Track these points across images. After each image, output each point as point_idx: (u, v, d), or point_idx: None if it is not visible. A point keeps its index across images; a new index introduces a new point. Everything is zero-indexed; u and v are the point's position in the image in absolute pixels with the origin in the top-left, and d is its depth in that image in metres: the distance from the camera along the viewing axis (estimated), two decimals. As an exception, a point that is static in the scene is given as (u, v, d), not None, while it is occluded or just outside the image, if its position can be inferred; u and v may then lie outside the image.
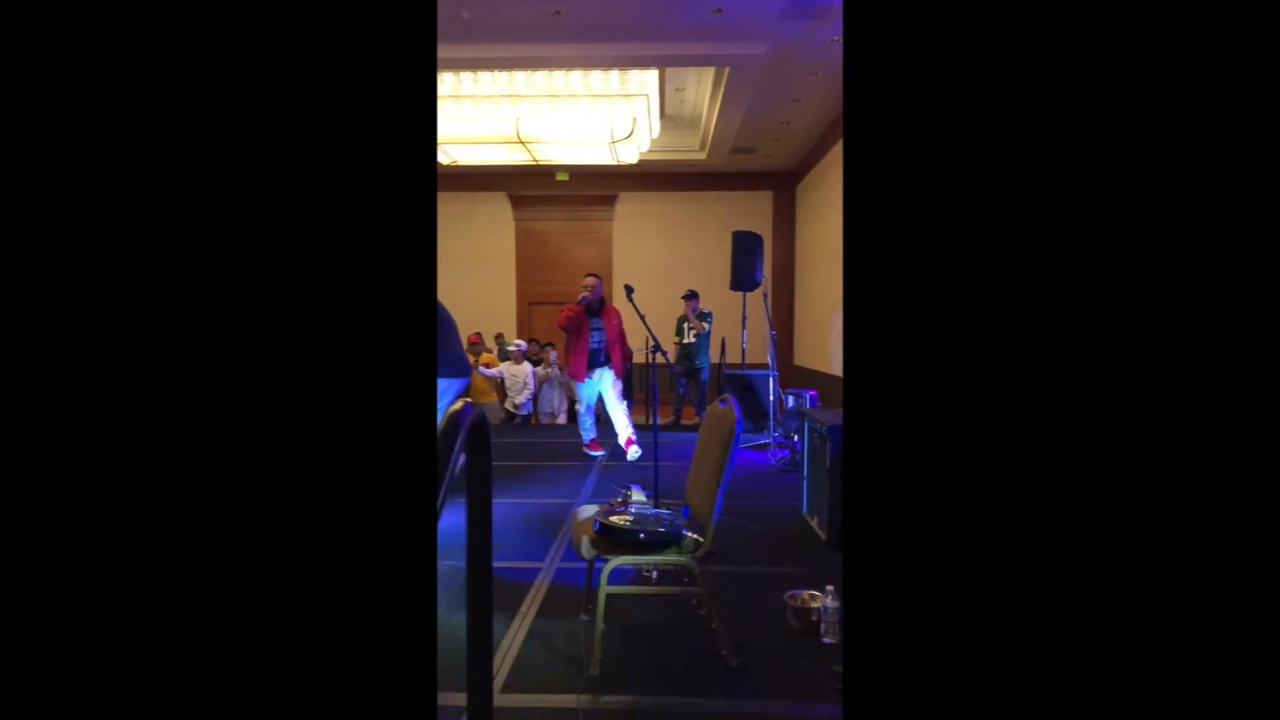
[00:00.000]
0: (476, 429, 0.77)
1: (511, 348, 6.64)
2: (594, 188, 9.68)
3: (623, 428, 4.86)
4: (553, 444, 5.39)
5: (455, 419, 0.72)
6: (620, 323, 4.88)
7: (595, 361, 4.80)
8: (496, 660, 2.03)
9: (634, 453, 4.84)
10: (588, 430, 4.98)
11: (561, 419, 6.53)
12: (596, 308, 4.80)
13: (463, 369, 3.60)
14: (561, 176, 9.34)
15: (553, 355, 6.70)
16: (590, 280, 4.84)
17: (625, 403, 4.88)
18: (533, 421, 6.64)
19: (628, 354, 4.77)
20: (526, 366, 6.49)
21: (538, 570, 2.73)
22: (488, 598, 0.88)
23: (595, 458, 4.88)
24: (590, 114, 7.02)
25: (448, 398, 3.52)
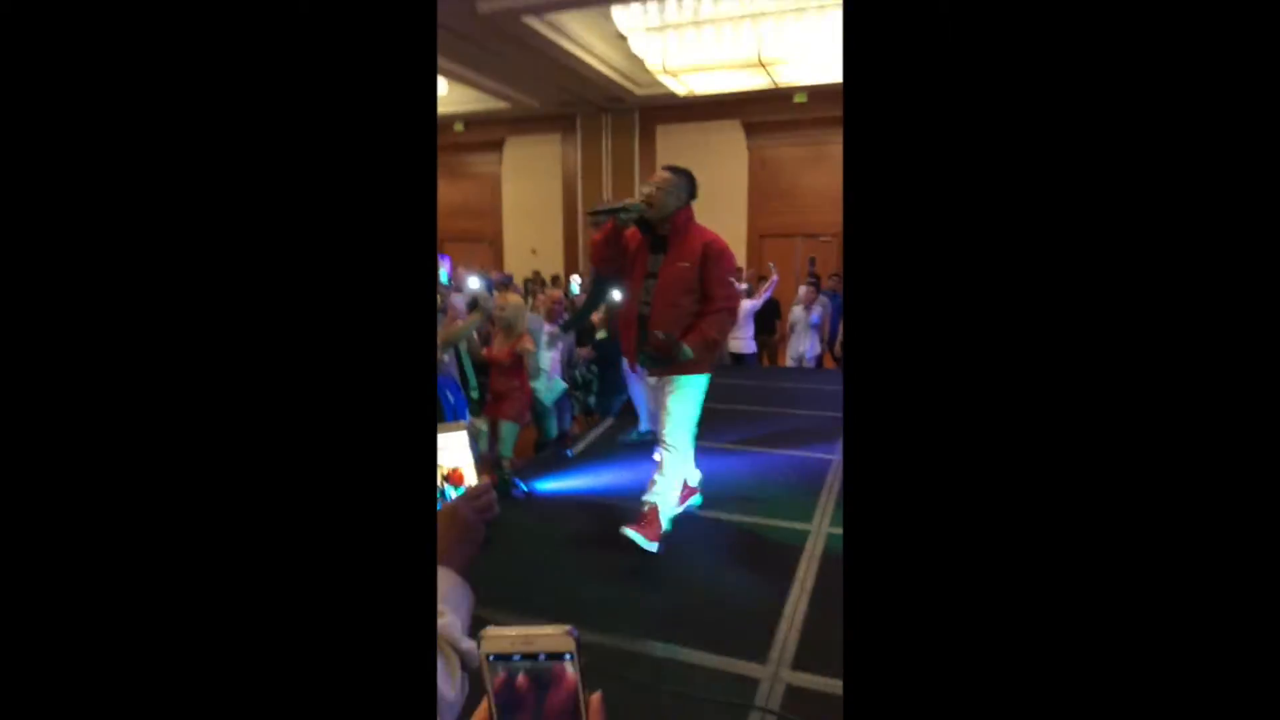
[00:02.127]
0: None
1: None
2: (833, 108, 8.93)
3: (672, 481, 2.45)
4: (800, 390, 5.18)
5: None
6: (720, 272, 2.39)
7: (643, 335, 2.45)
8: (781, 632, 1.97)
9: (687, 503, 2.68)
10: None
11: (810, 362, 6.19)
12: (659, 234, 2.44)
13: None
14: (799, 98, 8.75)
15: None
16: (663, 175, 2.43)
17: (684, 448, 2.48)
18: (780, 362, 6.45)
19: (711, 342, 2.41)
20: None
21: (807, 533, 2.63)
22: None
23: (642, 544, 2.36)
24: (836, 27, 6.38)
25: None
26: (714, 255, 2.43)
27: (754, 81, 7.79)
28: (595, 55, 7.84)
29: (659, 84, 8.12)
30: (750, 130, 9.42)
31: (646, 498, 2.46)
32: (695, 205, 2.55)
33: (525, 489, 3.03)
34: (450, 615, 0.61)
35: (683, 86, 7.80)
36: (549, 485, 3.10)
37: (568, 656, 0.43)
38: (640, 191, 2.48)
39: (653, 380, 2.54)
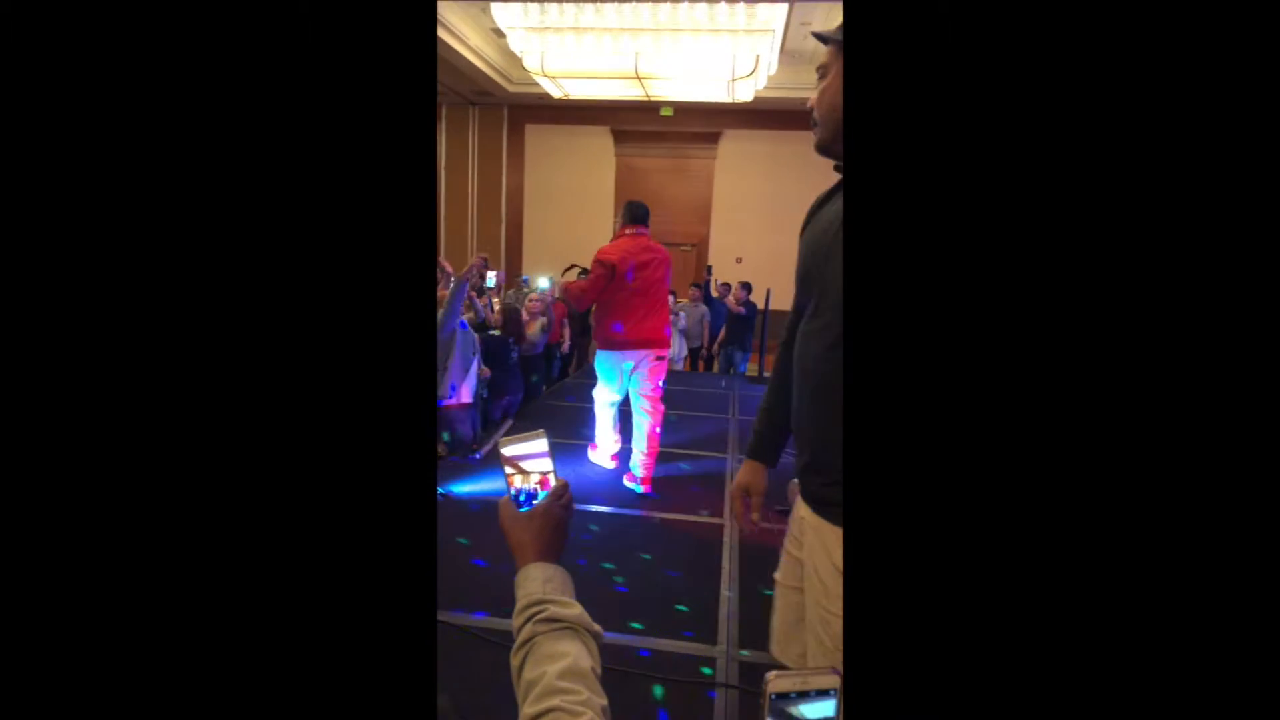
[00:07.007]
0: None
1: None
2: (698, 124, 9.16)
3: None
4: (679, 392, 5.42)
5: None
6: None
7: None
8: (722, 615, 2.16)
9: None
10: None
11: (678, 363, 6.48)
12: None
13: None
14: (666, 112, 9.09)
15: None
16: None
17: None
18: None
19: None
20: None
21: (723, 526, 2.85)
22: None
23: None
24: (711, 50, 6.78)
25: None
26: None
27: (627, 92, 8.01)
28: (469, 47, 7.66)
29: (531, 83, 8.06)
30: (619, 138, 9.36)
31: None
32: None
33: (443, 491, 2.99)
34: (579, 606, 0.67)
35: (558, 89, 7.83)
36: (463, 489, 3.08)
37: (832, 693, 0.53)
38: None
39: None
